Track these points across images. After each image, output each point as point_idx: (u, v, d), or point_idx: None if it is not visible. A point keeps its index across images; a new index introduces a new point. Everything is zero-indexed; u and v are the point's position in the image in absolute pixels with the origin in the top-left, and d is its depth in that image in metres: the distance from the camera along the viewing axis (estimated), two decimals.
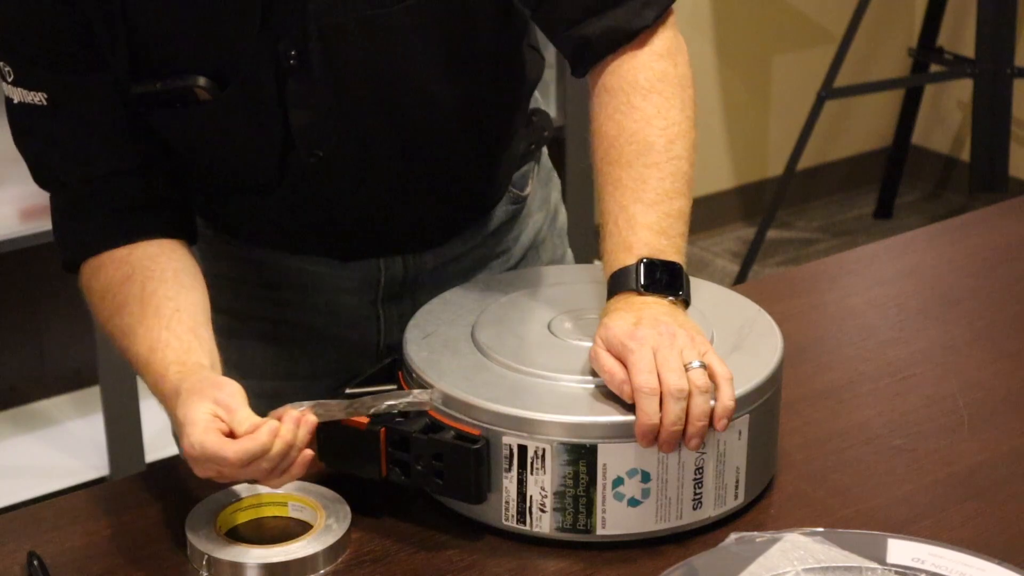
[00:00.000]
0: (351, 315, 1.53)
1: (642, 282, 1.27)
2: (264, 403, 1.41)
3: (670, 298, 1.27)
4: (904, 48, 4.24)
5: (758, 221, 3.82)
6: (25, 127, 1.37)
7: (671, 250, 1.29)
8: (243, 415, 1.21)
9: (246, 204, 1.48)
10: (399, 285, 1.53)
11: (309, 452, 1.22)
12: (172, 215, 1.40)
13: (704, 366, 1.21)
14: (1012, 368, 1.54)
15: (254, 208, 1.48)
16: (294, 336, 1.54)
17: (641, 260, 1.27)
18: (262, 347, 1.55)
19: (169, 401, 1.25)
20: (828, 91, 3.63)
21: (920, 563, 1.16)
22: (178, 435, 1.24)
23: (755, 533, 1.19)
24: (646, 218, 1.30)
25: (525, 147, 1.58)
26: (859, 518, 1.27)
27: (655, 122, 1.33)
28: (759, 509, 1.29)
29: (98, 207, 1.37)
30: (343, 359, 1.53)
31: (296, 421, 1.21)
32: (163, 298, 1.32)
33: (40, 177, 1.40)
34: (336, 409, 1.25)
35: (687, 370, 1.20)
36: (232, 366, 1.44)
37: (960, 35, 4.11)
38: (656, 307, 1.26)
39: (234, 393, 1.22)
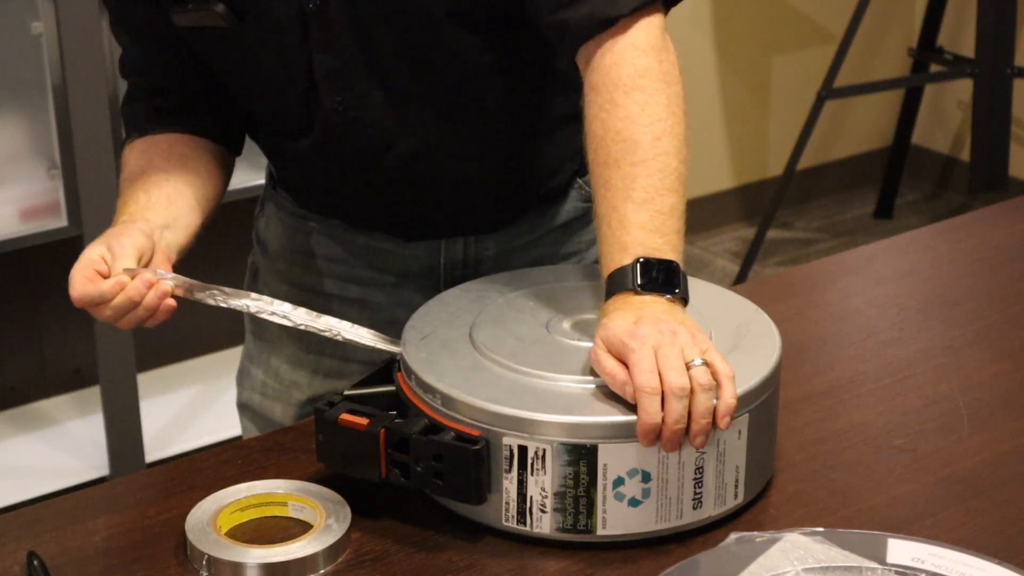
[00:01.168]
0: (414, 300, 1.53)
1: (639, 281, 1.26)
2: (319, 380, 1.56)
3: (668, 296, 1.27)
4: (904, 48, 4.24)
5: (758, 221, 3.82)
6: (111, 31, 1.59)
7: (667, 248, 1.29)
8: (119, 264, 1.33)
9: (290, 153, 1.55)
10: (460, 269, 1.56)
11: (170, 304, 1.33)
12: (211, 121, 1.54)
13: (706, 363, 1.21)
14: (1012, 368, 1.54)
15: (300, 161, 1.55)
16: (358, 317, 1.57)
17: (637, 260, 1.27)
18: None
19: None
20: (828, 91, 3.64)
21: (920, 563, 1.16)
22: None
23: (755, 533, 1.19)
24: (638, 217, 1.29)
25: None
26: (859, 518, 1.27)
27: (639, 119, 1.32)
28: (759, 509, 1.29)
29: (146, 102, 1.54)
30: None
31: (147, 283, 1.32)
32: (158, 170, 1.47)
33: (119, 68, 1.59)
34: (196, 289, 1.34)
35: (689, 368, 1.20)
36: (295, 339, 1.60)
37: (960, 35, 4.11)
38: (655, 306, 1.25)
39: (126, 244, 1.34)
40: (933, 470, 1.35)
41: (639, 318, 1.23)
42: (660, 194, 1.30)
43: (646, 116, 1.32)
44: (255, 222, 1.69)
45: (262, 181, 1.71)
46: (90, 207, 2.60)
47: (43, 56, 2.57)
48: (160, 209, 1.43)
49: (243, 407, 1.71)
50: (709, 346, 1.23)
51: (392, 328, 1.55)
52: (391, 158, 1.48)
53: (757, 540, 1.18)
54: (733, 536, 1.19)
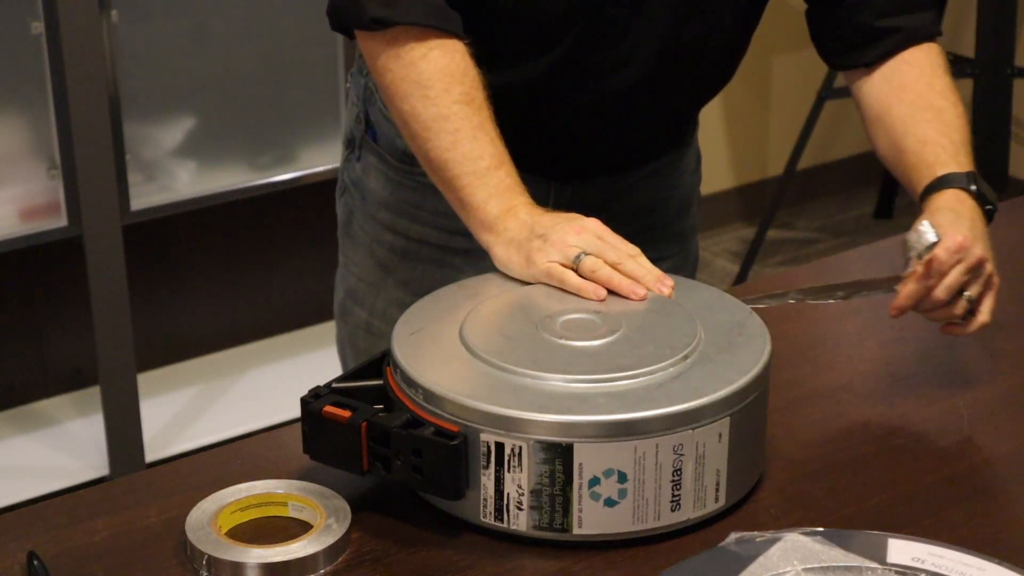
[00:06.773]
0: None
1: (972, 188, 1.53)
2: None
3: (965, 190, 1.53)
4: None
5: (758, 221, 3.82)
6: None
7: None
8: None
9: (510, 81, 1.58)
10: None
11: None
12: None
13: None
14: (1012, 368, 1.54)
15: (509, 93, 1.57)
16: (460, 264, 1.68)
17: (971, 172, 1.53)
18: (430, 270, 1.70)
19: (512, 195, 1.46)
20: (828, 91, 3.64)
21: (920, 563, 1.16)
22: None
23: (755, 533, 1.19)
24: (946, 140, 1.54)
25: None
26: (859, 518, 1.28)
27: (936, 86, 1.57)
28: (759, 509, 1.29)
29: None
30: None
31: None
32: (484, 106, 1.48)
33: None
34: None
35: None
36: (403, 283, 1.71)
37: (960, 35, 4.11)
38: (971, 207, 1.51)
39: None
40: (933, 470, 1.35)
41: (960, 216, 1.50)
42: (956, 129, 1.55)
43: (941, 90, 1.58)
44: (346, 166, 1.73)
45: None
46: (90, 207, 2.60)
47: (43, 56, 2.57)
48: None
49: (344, 343, 1.81)
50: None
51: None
52: (617, 81, 1.57)
53: (757, 540, 1.18)
54: (733, 536, 1.19)
